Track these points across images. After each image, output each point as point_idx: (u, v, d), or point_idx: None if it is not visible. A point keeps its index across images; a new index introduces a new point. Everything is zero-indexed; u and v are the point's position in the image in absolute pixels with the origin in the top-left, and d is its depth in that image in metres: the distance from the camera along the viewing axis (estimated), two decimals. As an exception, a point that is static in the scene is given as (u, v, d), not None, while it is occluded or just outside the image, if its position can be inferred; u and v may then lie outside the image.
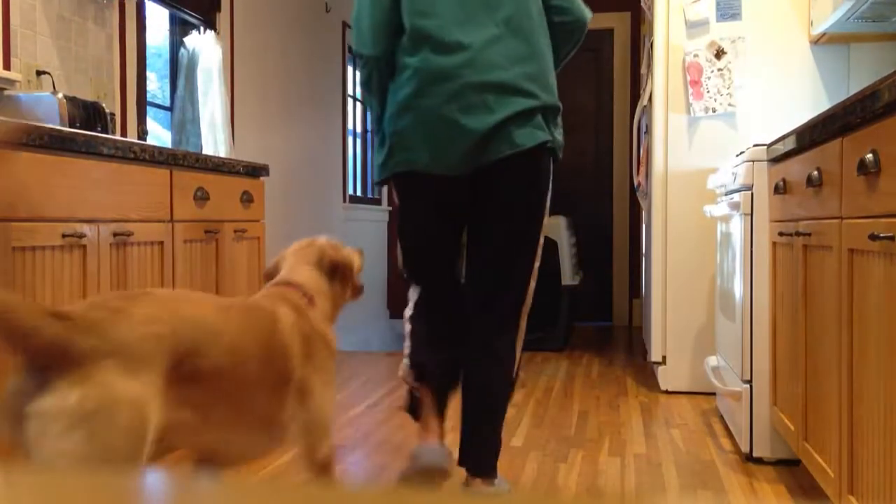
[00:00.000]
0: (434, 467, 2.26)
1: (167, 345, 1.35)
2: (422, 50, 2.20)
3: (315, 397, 1.68)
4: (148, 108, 3.75)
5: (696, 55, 3.74)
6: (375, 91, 2.32)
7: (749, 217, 2.68)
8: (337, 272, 1.92)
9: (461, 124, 2.16)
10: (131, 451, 1.27)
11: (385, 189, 7.00)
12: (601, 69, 6.60)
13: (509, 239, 2.28)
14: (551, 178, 2.30)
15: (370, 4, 2.25)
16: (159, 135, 4.03)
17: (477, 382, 2.30)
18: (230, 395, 1.51)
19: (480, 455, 2.27)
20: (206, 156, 3.01)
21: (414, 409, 2.43)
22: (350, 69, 6.28)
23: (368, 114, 2.46)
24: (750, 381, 2.68)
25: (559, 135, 2.27)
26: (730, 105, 3.72)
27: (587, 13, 2.37)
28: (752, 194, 2.68)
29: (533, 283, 2.34)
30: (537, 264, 2.33)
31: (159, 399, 1.33)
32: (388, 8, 2.23)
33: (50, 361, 1.22)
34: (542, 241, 2.33)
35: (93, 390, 1.22)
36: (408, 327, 2.45)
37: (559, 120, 2.29)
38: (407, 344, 2.45)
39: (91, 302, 1.35)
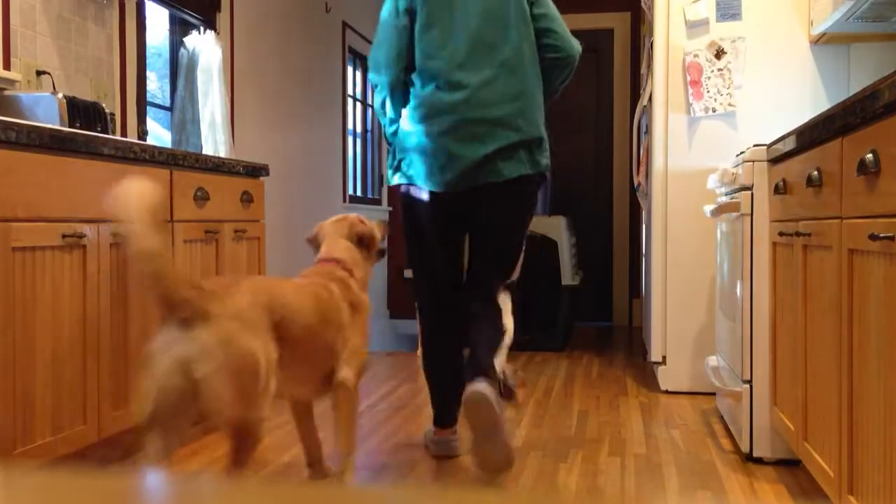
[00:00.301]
0: (446, 456, 2.71)
1: (265, 310, 1.86)
2: (429, 86, 2.63)
3: (353, 341, 2.23)
4: (148, 108, 3.75)
5: (696, 55, 3.74)
6: (389, 112, 2.74)
7: (749, 217, 2.68)
8: (363, 242, 2.43)
9: (456, 153, 2.58)
10: (260, 386, 1.77)
11: (385, 189, 7.02)
12: (601, 69, 6.60)
13: (497, 246, 2.73)
14: (538, 194, 2.75)
15: (388, 40, 2.67)
16: (159, 135, 4.03)
17: (475, 330, 2.65)
18: (305, 354, 2.04)
19: (480, 362, 2.54)
20: (206, 156, 3.01)
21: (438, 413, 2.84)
22: (350, 69, 6.28)
23: (382, 128, 2.84)
24: (750, 381, 2.68)
25: (543, 158, 2.68)
26: (730, 105, 3.72)
27: (576, 48, 2.74)
28: (752, 194, 2.68)
29: (518, 264, 2.79)
30: (520, 259, 2.80)
31: (271, 343, 1.84)
32: (404, 45, 2.66)
33: (187, 315, 1.71)
34: (524, 241, 2.79)
35: (216, 336, 1.72)
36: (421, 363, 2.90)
37: (544, 146, 2.69)
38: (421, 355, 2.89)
39: (213, 280, 1.97)
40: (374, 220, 2.56)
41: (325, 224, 2.46)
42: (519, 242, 2.76)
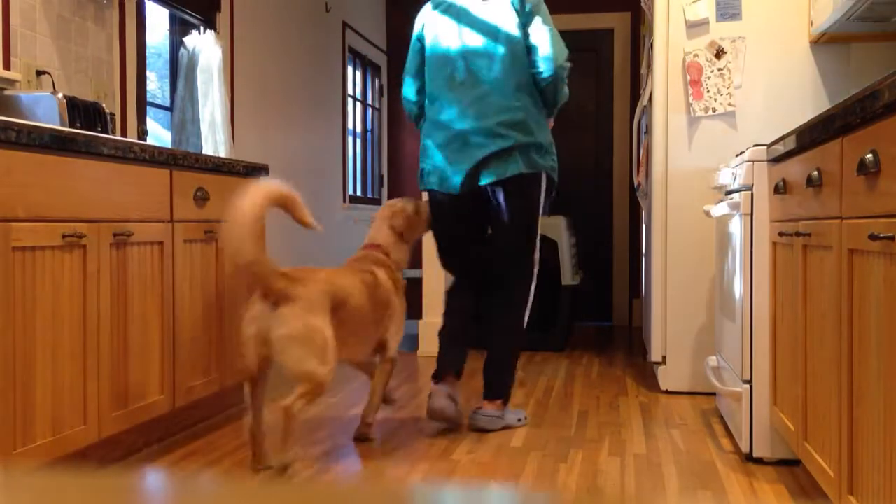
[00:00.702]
0: (440, 407, 2.98)
1: (329, 297, 2.47)
2: (434, 104, 3.14)
3: (396, 315, 2.91)
4: (148, 108, 3.75)
5: (696, 55, 3.74)
6: (418, 125, 3.29)
7: (749, 217, 2.68)
8: (396, 229, 3.03)
9: (457, 160, 3.06)
10: (321, 351, 2.39)
11: (385, 189, 7.02)
12: (601, 69, 6.60)
13: (506, 236, 3.14)
14: (539, 192, 3.11)
15: (408, 63, 3.24)
16: (159, 135, 4.03)
17: (491, 335, 3.16)
18: (362, 324, 2.67)
19: (490, 381, 3.13)
20: (206, 156, 3.01)
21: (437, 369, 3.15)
22: (350, 69, 6.28)
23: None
24: (750, 381, 2.68)
25: (545, 160, 3.09)
26: (730, 105, 3.72)
27: (555, 67, 3.03)
28: (752, 194, 2.68)
29: (535, 259, 3.17)
30: (536, 256, 3.18)
31: (329, 323, 2.44)
32: (419, 67, 3.21)
33: (276, 297, 2.36)
34: (536, 235, 3.16)
35: (299, 316, 2.37)
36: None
37: (545, 149, 3.09)
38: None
39: (295, 269, 2.46)
40: (418, 205, 3.13)
41: (380, 209, 3.12)
42: (523, 237, 3.14)
